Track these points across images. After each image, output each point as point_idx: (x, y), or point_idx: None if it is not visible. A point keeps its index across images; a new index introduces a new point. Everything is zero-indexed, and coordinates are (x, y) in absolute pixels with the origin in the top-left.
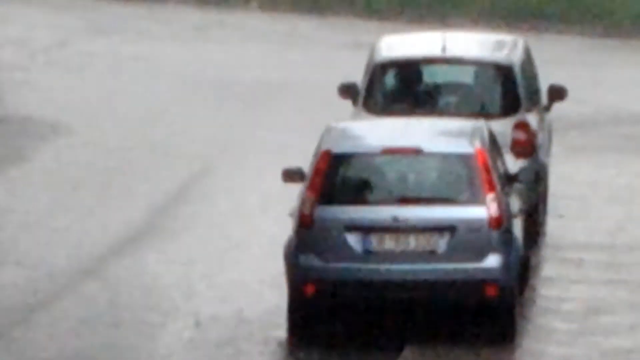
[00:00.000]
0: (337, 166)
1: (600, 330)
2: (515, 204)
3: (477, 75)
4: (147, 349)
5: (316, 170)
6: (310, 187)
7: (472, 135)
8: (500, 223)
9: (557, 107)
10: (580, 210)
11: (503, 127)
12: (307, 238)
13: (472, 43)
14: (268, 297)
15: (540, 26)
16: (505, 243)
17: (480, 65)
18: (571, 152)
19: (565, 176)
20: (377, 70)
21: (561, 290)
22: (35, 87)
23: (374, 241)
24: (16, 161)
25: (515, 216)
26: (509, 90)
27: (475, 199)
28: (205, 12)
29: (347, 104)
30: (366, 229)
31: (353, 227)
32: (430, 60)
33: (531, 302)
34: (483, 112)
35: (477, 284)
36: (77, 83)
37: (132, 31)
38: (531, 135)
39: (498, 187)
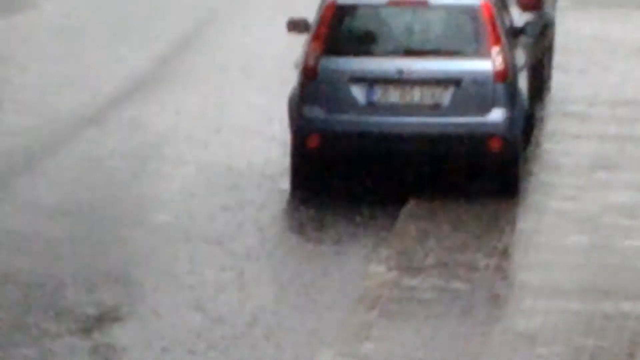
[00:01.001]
0: (342, 17)
1: (603, 185)
2: (521, 57)
3: None
4: (149, 197)
5: (321, 21)
6: (315, 38)
7: None
8: (505, 76)
9: None
10: (586, 64)
11: None
12: (311, 89)
13: None
14: (272, 148)
15: None
16: (510, 97)
17: None
18: (578, 5)
19: (571, 30)
20: None
21: (565, 145)
22: None
23: (378, 93)
24: (22, 8)
25: (520, 70)
26: None
27: (481, 52)
28: None
29: None
30: (370, 81)
31: (357, 78)
32: None
33: (535, 157)
34: None
35: (481, 137)
36: None
37: None
38: None
39: (504, 40)
